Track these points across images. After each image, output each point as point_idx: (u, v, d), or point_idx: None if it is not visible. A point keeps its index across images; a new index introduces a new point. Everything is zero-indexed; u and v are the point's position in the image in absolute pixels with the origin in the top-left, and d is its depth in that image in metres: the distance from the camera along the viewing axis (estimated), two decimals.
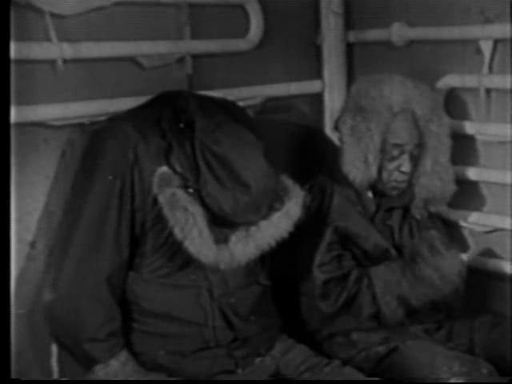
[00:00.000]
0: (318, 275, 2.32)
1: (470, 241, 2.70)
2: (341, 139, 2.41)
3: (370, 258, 2.38)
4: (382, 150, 2.34)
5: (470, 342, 2.35)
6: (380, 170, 2.35)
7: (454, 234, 2.62)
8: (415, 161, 2.38)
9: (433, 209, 2.46)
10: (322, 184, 2.40)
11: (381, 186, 2.38)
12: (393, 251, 2.39)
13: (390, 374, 2.21)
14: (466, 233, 2.71)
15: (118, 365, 1.99)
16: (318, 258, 2.32)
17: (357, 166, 2.35)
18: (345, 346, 2.32)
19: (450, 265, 2.27)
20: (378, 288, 2.29)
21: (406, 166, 2.34)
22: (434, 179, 2.40)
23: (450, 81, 2.63)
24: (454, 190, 2.46)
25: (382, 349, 2.27)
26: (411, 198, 2.43)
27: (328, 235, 2.35)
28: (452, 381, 2.07)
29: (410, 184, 2.41)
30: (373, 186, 2.40)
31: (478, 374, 2.11)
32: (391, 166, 2.35)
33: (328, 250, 2.34)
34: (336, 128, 2.46)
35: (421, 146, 2.37)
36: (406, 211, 2.46)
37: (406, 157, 2.34)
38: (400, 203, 2.43)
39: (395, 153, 2.34)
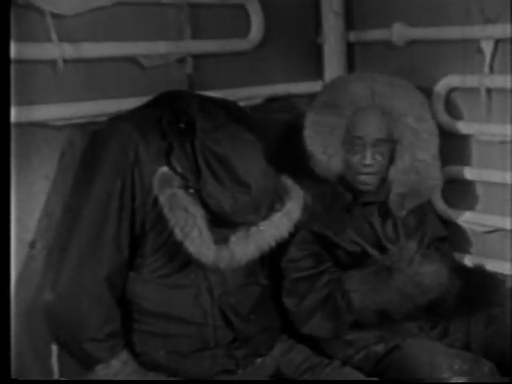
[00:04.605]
0: (289, 272, 2.32)
1: (470, 241, 2.71)
2: (304, 134, 2.43)
3: (349, 256, 2.37)
4: (347, 144, 2.36)
5: (466, 337, 2.34)
6: (347, 164, 2.37)
7: (453, 234, 2.61)
8: (385, 155, 2.36)
9: (408, 204, 2.42)
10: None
11: (351, 180, 2.38)
12: (370, 249, 2.37)
13: (390, 372, 2.20)
14: (465, 233, 2.71)
15: (118, 365, 1.99)
16: (288, 254, 2.31)
17: (319, 159, 2.39)
18: (342, 347, 2.31)
19: (428, 277, 2.24)
20: (355, 300, 2.27)
21: (368, 159, 2.33)
22: (411, 175, 2.38)
23: (450, 81, 2.63)
24: (435, 186, 2.44)
25: (380, 348, 2.27)
26: (387, 193, 2.42)
27: (301, 234, 2.32)
28: (453, 380, 2.06)
29: (387, 180, 2.40)
30: (348, 182, 2.40)
31: (479, 372, 2.10)
32: (355, 159, 2.36)
33: (301, 248, 2.32)
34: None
35: (393, 141, 2.36)
36: (388, 208, 2.45)
37: (367, 149, 2.34)
38: (376, 198, 2.42)
39: (358, 146, 2.35)
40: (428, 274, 2.24)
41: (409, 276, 2.23)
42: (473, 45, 2.57)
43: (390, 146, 2.37)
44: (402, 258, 2.25)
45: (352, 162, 2.36)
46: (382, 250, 2.37)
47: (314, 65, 2.87)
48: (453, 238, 2.57)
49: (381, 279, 2.26)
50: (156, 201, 2.00)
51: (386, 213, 2.43)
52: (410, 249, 2.27)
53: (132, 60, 2.33)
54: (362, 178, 2.36)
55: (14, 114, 1.93)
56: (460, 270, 2.53)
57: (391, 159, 2.39)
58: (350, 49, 2.88)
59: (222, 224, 2.04)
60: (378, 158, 2.35)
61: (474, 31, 2.55)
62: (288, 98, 2.77)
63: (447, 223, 2.63)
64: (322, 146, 2.39)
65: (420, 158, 2.38)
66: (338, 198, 2.41)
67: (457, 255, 2.61)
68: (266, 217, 2.08)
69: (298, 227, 2.18)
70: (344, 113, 2.38)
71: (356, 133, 2.35)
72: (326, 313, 2.29)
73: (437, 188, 2.46)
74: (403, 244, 2.34)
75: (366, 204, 2.42)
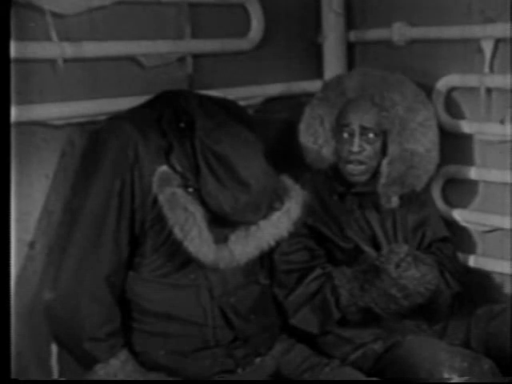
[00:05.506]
0: (280, 264, 2.33)
1: (470, 241, 2.71)
2: (298, 129, 2.49)
3: (343, 253, 2.37)
4: (337, 133, 2.39)
5: (467, 335, 2.35)
6: (337, 154, 2.39)
7: (453, 233, 2.61)
8: (374, 146, 2.35)
9: (392, 193, 2.40)
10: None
11: (342, 170, 2.39)
12: (364, 246, 2.36)
13: (390, 370, 2.20)
14: (465, 232, 2.71)
15: (118, 364, 1.99)
16: (281, 247, 2.29)
17: (310, 149, 2.44)
18: (339, 345, 2.31)
19: (413, 281, 2.22)
20: (343, 297, 2.27)
21: (355, 146, 2.34)
22: (397, 164, 2.37)
23: (450, 80, 2.63)
24: (421, 177, 2.41)
25: (378, 346, 2.27)
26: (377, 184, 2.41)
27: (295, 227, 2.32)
28: (453, 380, 2.05)
29: (378, 172, 2.40)
30: (340, 172, 2.41)
31: (479, 370, 2.09)
32: (344, 147, 2.37)
33: (294, 242, 2.32)
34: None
35: (382, 131, 2.36)
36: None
37: (354, 137, 2.35)
38: (367, 189, 2.41)
39: (346, 135, 2.37)
40: (413, 278, 2.22)
41: (393, 279, 2.22)
42: (473, 44, 2.57)
43: (380, 136, 2.36)
44: (390, 259, 2.24)
45: (341, 151, 2.38)
46: (378, 247, 2.37)
47: (314, 64, 2.87)
48: (452, 238, 2.56)
49: (369, 278, 2.26)
50: (156, 200, 2.00)
51: (383, 209, 2.43)
52: (400, 251, 2.26)
53: (132, 59, 2.32)
54: (350, 167, 2.37)
55: (14, 114, 1.93)
56: (462, 270, 2.53)
57: (384, 152, 2.39)
58: (351, 48, 2.89)
59: (221, 223, 2.04)
60: (366, 146, 2.35)
61: (474, 31, 2.56)
62: (288, 98, 2.76)
63: (447, 223, 2.63)
64: (313, 137, 2.44)
65: (408, 148, 2.37)
66: (331, 188, 2.41)
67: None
68: (265, 216, 2.08)
69: (297, 226, 2.19)
70: (335, 104, 2.42)
71: (344, 121, 2.37)
72: (313, 307, 2.30)
73: (423, 180, 2.43)
74: (394, 246, 2.33)
75: (358, 194, 2.41)
